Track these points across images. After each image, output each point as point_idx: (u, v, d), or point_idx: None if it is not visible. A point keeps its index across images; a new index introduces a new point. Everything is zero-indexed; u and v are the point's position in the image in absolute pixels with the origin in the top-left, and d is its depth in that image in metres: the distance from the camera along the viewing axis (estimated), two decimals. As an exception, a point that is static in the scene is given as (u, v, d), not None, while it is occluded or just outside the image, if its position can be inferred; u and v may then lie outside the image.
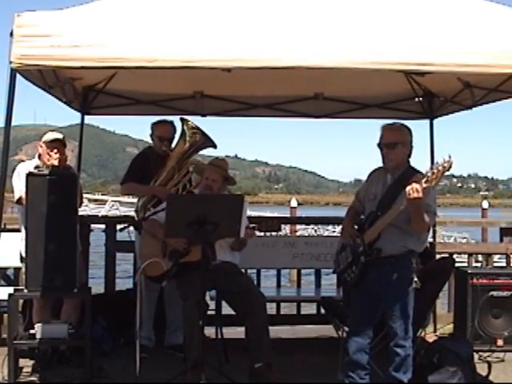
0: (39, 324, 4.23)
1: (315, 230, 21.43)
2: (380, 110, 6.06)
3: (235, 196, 4.56)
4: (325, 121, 6.38)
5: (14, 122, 3.42)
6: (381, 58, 3.30)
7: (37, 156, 4.74)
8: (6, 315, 5.11)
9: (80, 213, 4.65)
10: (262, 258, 5.84)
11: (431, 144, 6.13)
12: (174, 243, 4.45)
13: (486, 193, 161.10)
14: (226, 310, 4.96)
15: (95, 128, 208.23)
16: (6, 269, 5.77)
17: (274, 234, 5.83)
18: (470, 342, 4.98)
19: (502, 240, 6.78)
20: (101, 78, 5.47)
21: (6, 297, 4.31)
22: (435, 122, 6.13)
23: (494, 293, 5.45)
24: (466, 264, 7.03)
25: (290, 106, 6.09)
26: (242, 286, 4.48)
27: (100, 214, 20.03)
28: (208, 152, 5.41)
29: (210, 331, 4.57)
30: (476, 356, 4.83)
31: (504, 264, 7.13)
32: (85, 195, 26.57)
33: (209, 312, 4.45)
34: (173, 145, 5.30)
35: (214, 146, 5.27)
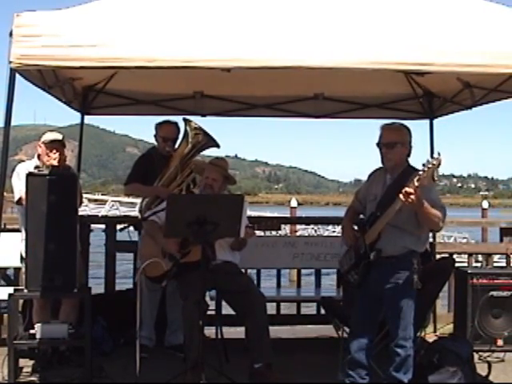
0: (39, 324, 4.23)
1: (315, 230, 21.41)
2: (380, 110, 6.06)
3: (235, 196, 4.56)
4: (325, 121, 6.39)
5: (13, 122, 3.43)
6: (381, 58, 3.31)
7: (36, 156, 4.74)
8: (6, 315, 5.11)
9: (80, 213, 4.65)
10: (262, 258, 5.83)
11: (431, 144, 6.13)
12: (168, 248, 4.45)
13: (486, 193, 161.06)
14: (226, 310, 4.96)
15: (95, 128, 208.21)
16: (5, 269, 5.77)
17: (274, 233, 5.83)
18: (469, 342, 4.98)
19: (501, 240, 6.78)
20: (101, 78, 5.47)
21: (5, 297, 4.31)
22: (435, 121, 6.13)
23: (494, 293, 5.44)
24: (466, 264, 7.03)
25: (290, 106, 6.09)
26: (242, 286, 4.48)
27: (100, 214, 20.01)
28: (208, 152, 5.42)
29: (210, 331, 4.57)
30: (476, 356, 4.83)
31: (504, 264, 7.12)
32: (85, 195, 26.58)
33: (209, 312, 4.45)
34: (176, 145, 5.31)
35: (217, 146, 5.27)
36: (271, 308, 5.68)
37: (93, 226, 6.80)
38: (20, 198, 4.49)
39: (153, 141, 5.44)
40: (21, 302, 4.77)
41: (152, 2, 3.49)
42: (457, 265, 5.57)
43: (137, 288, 4.48)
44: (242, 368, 4.32)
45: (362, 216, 4.23)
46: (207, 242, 4.12)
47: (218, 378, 4.10)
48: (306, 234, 17.87)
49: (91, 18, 3.32)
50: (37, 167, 4.55)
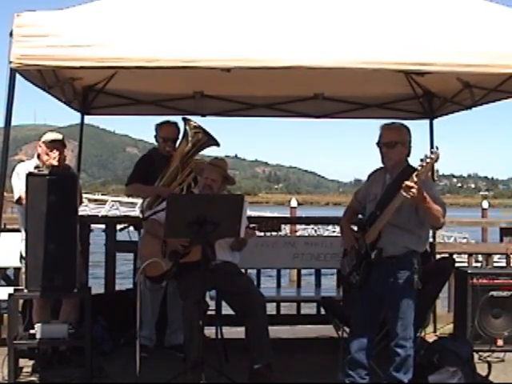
0: (39, 324, 4.23)
1: (315, 230, 21.43)
2: (380, 110, 6.06)
3: (235, 196, 4.56)
4: (325, 121, 6.39)
5: (13, 122, 3.42)
6: (380, 58, 3.31)
7: (36, 156, 4.74)
8: (6, 315, 5.11)
9: (80, 213, 4.65)
10: (262, 258, 5.83)
11: (431, 144, 6.12)
12: (173, 243, 4.45)
13: (486, 193, 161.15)
14: (226, 310, 4.96)
15: (95, 128, 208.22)
16: (5, 269, 5.77)
17: (274, 233, 5.83)
18: (469, 342, 4.98)
19: (501, 240, 6.78)
20: (101, 78, 5.47)
21: (5, 297, 4.31)
22: (435, 121, 6.13)
23: (494, 293, 5.45)
24: (466, 264, 7.04)
25: (290, 106, 6.09)
26: (242, 287, 4.48)
27: (100, 214, 20.02)
28: (208, 152, 5.43)
29: (210, 331, 4.57)
30: (476, 356, 4.83)
31: (504, 264, 7.13)
32: (85, 195, 26.62)
33: (209, 312, 4.45)
34: (176, 145, 5.31)
35: (217, 145, 5.28)
36: (271, 308, 5.69)
37: (93, 226, 6.80)
38: (19, 198, 4.49)
39: (153, 141, 5.45)
40: (21, 302, 4.77)
41: (152, 2, 3.49)
42: (457, 265, 5.57)
43: (137, 288, 4.48)
44: (242, 368, 4.32)
45: (360, 216, 4.24)
46: (207, 242, 4.12)
47: (217, 378, 4.10)
48: (306, 234, 17.87)
49: (91, 18, 3.32)
50: (37, 167, 4.55)
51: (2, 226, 4.76)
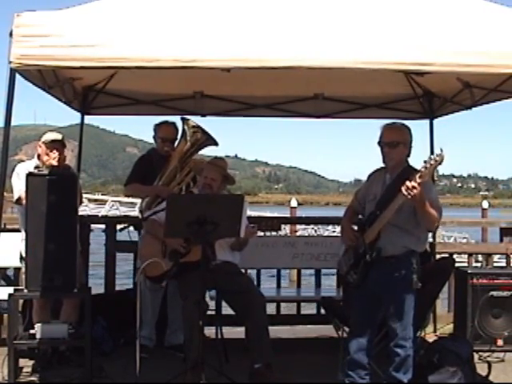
0: (39, 324, 4.23)
1: (315, 230, 21.43)
2: (380, 110, 6.05)
3: (235, 196, 4.56)
4: (325, 121, 6.39)
5: (13, 122, 3.43)
6: (380, 58, 3.31)
7: (36, 156, 4.74)
8: (6, 315, 5.11)
9: (80, 213, 4.65)
10: (262, 258, 5.83)
11: (431, 144, 6.13)
12: (173, 243, 4.45)
13: (486, 193, 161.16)
14: (226, 310, 4.96)
15: (95, 128, 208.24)
16: (5, 269, 5.77)
17: (274, 233, 5.83)
18: (469, 342, 4.98)
19: (501, 240, 6.78)
20: (101, 78, 5.47)
21: (5, 297, 4.31)
22: (435, 121, 6.13)
23: (494, 293, 5.45)
24: (466, 264, 7.04)
25: (290, 106, 6.09)
26: (242, 286, 4.48)
27: (100, 214, 20.01)
28: (208, 152, 5.43)
29: (210, 331, 4.57)
30: (476, 356, 4.83)
31: (504, 264, 7.13)
32: (85, 195, 26.59)
33: (209, 312, 4.45)
34: (175, 145, 5.31)
35: (216, 144, 5.28)
36: (271, 308, 5.69)
37: (93, 226, 6.81)
38: (19, 198, 4.49)
39: (153, 141, 5.45)
40: (21, 302, 4.77)
41: (152, 2, 3.49)
42: (457, 265, 5.57)
43: (137, 288, 4.48)
44: (242, 368, 4.32)
45: (360, 216, 4.24)
46: (207, 242, 4.12)
47: (217, 378, 4.10)
48: (306, 234, 17.88)
49: (91, 18, 3.32)
50: (37, 167, 4.55)
51: (2, 226, 4.76)
